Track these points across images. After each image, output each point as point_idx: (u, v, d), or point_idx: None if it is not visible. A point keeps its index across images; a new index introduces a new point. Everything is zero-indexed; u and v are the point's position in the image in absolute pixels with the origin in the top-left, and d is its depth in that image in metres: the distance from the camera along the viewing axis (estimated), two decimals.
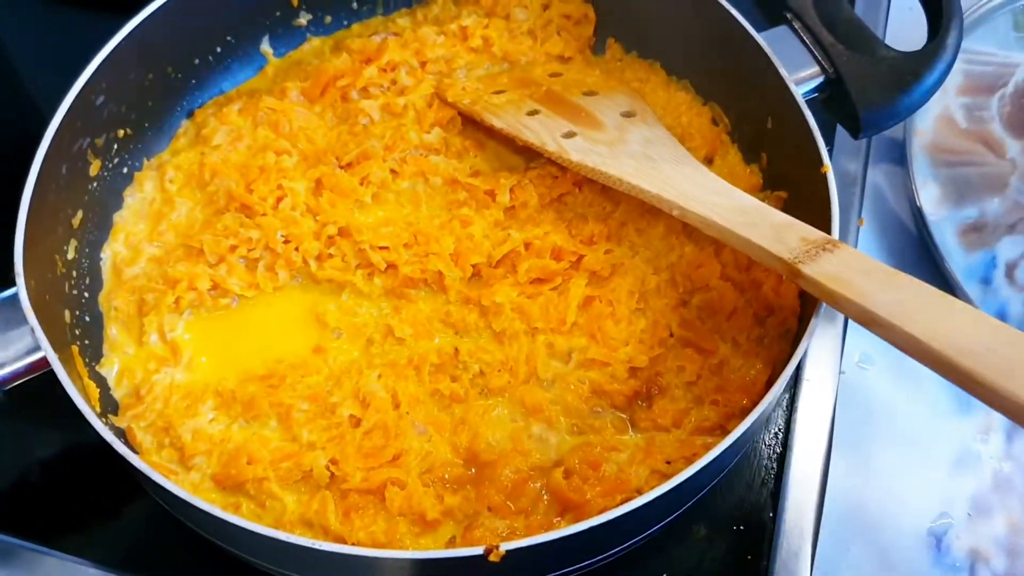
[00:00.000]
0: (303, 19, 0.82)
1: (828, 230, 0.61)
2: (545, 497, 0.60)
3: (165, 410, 0.64)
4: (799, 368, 0.71)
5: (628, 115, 0.74)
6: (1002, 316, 0.73)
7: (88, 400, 0.59)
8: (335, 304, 0.69)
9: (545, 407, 0.63)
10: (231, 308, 0.69)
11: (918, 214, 0.76)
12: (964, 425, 0.70)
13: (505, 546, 0.51)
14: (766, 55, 0.70)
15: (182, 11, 0.75)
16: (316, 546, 0.53)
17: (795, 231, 0.59)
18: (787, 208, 0.70)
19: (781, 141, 0.70)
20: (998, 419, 0.70)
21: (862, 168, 0.80)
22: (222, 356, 0.67)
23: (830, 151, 0.77)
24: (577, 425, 0.63)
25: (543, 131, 0.73)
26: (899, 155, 0.80)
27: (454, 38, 0.80)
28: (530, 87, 0.77)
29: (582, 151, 0.70)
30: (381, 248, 0.69)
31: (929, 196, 0.79)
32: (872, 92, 0.68)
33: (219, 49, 0.80)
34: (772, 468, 0.68)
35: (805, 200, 0.67)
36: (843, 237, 0.74)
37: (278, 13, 0.82)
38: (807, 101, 0.70)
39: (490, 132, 0.75)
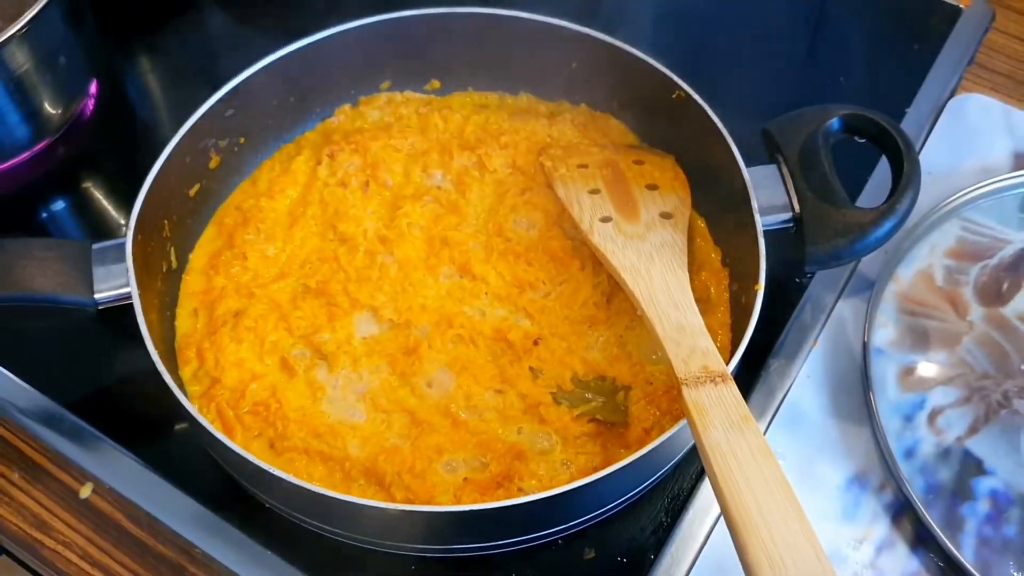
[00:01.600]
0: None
1: (739, 342, 0.76)
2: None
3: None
4: None
5: (666, 216, 0.89)
6: (912, 451, 0.84)
7: (155, 341, 0.77)
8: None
9: None
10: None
11: (864, 347, 0.88)
12: (843, 530, 0.81)
13: None
14: (746, 185, 0.84)
15: (316, 54, 0.95)
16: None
17: (704, 360, 0.72)
18: (735, 307, 0.85)
19: (746, 258, 0.84)
20: (876, 534, 0.81)
21: (834, 299, 0.92)
22: None
23: (810, 278, 0.91)
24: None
25: (588, 209, 0.89)
26: (871, 295, 0.91)
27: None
28: (610, 167, 0.94)
29: (604, 236, 0.86)
30: None
31: (885, 336, 0.90)
32: (821, 237, 0.82)
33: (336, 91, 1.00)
34: (666, 521, 0.81)
35: (747, 308, 0.80)
36: (796, 353, 0.88)
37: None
38: (780, 232, 0.84)
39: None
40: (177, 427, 0.87)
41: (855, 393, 0.87)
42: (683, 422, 0.72)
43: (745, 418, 0.67)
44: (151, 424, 0.86)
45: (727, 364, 0.73)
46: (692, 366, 0.72)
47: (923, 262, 0.94)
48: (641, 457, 0.71)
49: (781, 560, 0.58)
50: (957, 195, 0.97)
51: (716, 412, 0.68)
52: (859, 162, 0.99)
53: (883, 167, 0.96)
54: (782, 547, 0.58)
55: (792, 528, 0.60)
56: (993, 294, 0.93)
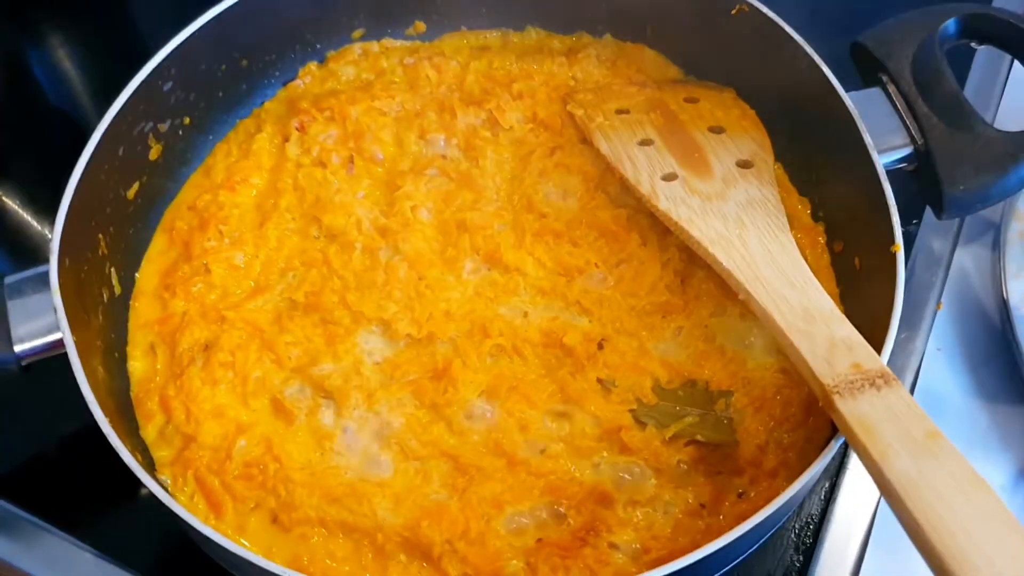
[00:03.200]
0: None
1: (886, 319, 0.57)
2: None
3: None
4: (844, 453, 0.66)
5: (744, 165, 0.70)
6: None
7: (100, 396, 0.58)
8: None
9: None
10: None
11: (1004, 306, 0.70)
12: None
13: None
14: (851, 115, 0.65)
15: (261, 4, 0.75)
16: None
17: (851, 356, 0.55)
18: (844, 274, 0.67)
19: (855, 208, 0.66)
20: None
21: (950, 248, 0.75)
22: None
23: (917, 225, 0.73)
24: None
25: (645, 167, 0.70)
26: (994, 239, 0.73)
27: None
28: (658, 110, 0.74)
29: (673, 199, 0.68)
30: None
31: (1021, 288, 0.72)
32: (961, 171, 0.64)
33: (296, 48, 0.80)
34: (798, 560, 0.63)
35: (867, 274, 0.62)
36: (919, 321, 0.70)
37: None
38: (892, 171, 0.65)
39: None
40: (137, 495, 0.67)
41: (1000, 363, 0.70)
42: (830, 452, 0.53)
43: (932, 435, 0.50)
44: (105, 502, 0.67)
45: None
46: (838, 366, 0.54)
47: None
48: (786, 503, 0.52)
49: None
50: None
51: (890, 430, 0.50)
52: None
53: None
54: None
55: None
56: None
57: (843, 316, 0.58)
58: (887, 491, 0.48)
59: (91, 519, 0.67)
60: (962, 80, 0.82)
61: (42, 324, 0.60)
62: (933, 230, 0.76)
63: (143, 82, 0.69)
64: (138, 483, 0.58)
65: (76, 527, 0.66)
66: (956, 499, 0.47)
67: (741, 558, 0.59)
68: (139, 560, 0.65)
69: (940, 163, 0.64)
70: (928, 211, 0.76)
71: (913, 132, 0.66)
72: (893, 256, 0.60)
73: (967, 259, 0.75)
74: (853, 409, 0.52)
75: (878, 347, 0.57)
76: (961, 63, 0.78)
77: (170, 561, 0.66)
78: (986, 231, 0.75)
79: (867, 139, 0.64)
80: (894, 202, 0.62)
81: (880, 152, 0.65)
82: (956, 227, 0.76)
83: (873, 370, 0.54)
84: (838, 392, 0.53)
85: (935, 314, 0.72)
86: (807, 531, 0.65)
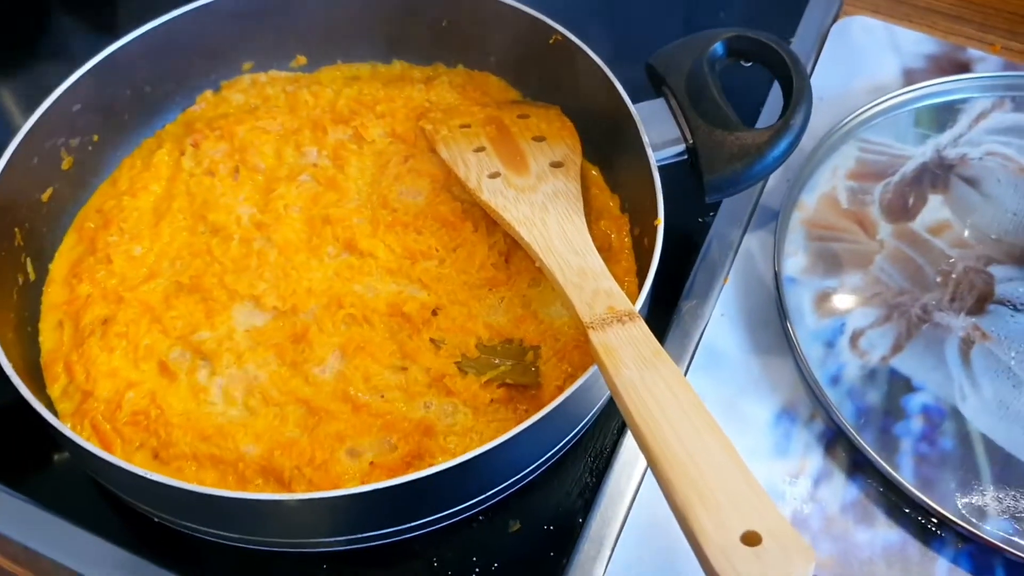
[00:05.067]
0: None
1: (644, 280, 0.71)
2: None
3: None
4: None
5: (557, 165, 0.84)
6: (838, 377, 0.80)
7: (13, 360, 0.69)
8: None
9: None
10: None
11: (776, 278, 0.84)
12: (776, 466, 0.77)
13: None
14: (635, 122, 0.80)
15: (164, 38, 0.88)
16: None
17: (609, 301, 0.68)
18: (640, 253, 0.81)
19: (643, 198, 0.80)
20: (811, 466, 0.77)
21: (740, 234, 0.88)
22: None
23: (713, 216, 0.87)
24: None
25: (475, 167, 0.84)
26: (776, 225, 0.87)
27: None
28: (493, 124, 0.89)
29: (493, 192, 0.81)
30: None
31: (797, 264, 0.86)
32: (717, 162, 0.78)
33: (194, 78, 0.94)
34: (591, 481, 0.76)
35: (649, 249, 0.76)
36: (708, 292, 0.84)
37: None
38: (673, 165, 0.80)
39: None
40: (52, 454, 0.79)
41: (773, 326, 0.84)
42: (594, 368, 0.67)
43: (657, 353, 0.63)
44: (19, 452, 0.78)
45: (634, 305, 0.68)
46: (597, 308, 0.67)
47: (826, 186, 0.92)
48: (554, 411, 0.65)
49: (709, 491, 0.53)
50: (851, 116, 0.94)
51: (626, 351, 0.63)
52: (752, 94, 0.96)
53: (776, 93, 0.93)
54: (709, 478, 0.54)
55: (717, 457, 0.55)
56: (899, 210, 0.90)
57: (609, 274, 0.71)
58: (616, 395, 0.60)
59: (13, 472, 0.77)
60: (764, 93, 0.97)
61: None
62: (727, 220, 0.89)
63: (54, 103, 0.81)
64: (47, 439, 0.71)
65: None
66: (666, 398, 0.59)
67: (540, 468, 0.72)
68: (54, 504, 0.75)
69: (701, 155, 0.78)
70: (723, 206, 0.90)
71: (685, 132, 0.80)
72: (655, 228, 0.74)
73: (754, 243, 0.89)
74: (601, 338, 0.65)
75: (635, 298, 0.71)
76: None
77: (76, 504, 0.77)
78: (772, 220, 0.89)
79: (645, 139, 0.78)
80: (660, 187, 0.76)
81: (657, 149, 0.79)
82: (747, 217, 0.90)
83: (623, 311, 0.67)
84: (592, 327, 0.66)
85: (722, 287, 0.86)
86: (600, 459, 0.78)
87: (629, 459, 0.76)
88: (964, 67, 1.00)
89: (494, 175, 0.83)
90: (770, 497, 0.54)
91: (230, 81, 0.96)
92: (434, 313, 0.79)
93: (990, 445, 0.77)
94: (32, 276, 0.81)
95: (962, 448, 0.77)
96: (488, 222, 0.83)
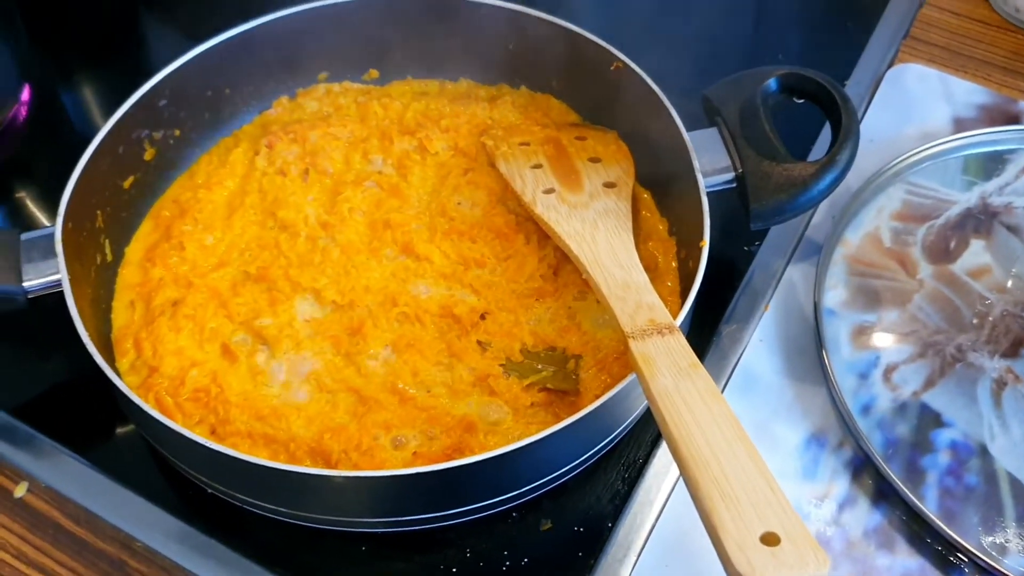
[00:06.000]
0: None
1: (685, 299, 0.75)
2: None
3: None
4: None
5: (610, 185, 0.88)
6: (869, 407, 0.82)
7: (89, 330, 0.74)
8: None
9: None
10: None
11: (815, 309, 0.87)
12: (803, 489, 0.79)
13: None
14: (688, 149, 0.83)
15: (248, 45, 0.94)
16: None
17: (650, 314, 0.71)
18: (685, 275, 0.84)
19: (691, 223, 0.83)
20: (837, 490, 0.79)
21: (783, 265, 0.91)
22: None
23: (758, 246, 0.90)
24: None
25: (531, 183, 0.88)
26: (819, 259, 0.90)
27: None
28: (552, 143, 0.93)
29: (547, 206, 0.85)
30: None
31: (836, 297, 0.89)
32: (764, 192, 0.81)
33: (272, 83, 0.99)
34: (623, 489, 0.79)
35: (694, 271, 0.79)
36: (748, 318, 0.87)
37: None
38: (721, 193, 0.84)
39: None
40: (116, 425, 0.84)
41: (809, 354, 0.86)
42: (633, 377, 0.70)
43: (693, 365, 0.66)
44: (87, 420, 0.84)
45: (675, 319, 0.72)
46: (638, 320, 0.71)
47: (870, 225, 0.94)
48: (590, 415, 0.69)
49: (733, 492, 0.56)
50: (900, 159, 0.97)
51: (663, 360, 0.66)
52: (805, 131, 0.99)
53: (827, 132, 0.96)
54: (734, 480, 0.57)
55: (743, 463, 0.58)
56: (941, 252, 0.92)
57: (652, 289, 0.74)
58: (652, 401, 0.64)
59: (79, 436, 0.81)
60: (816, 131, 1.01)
61: (46, 267, 0.76)
62: (772, 251, 0.92)
63: (142, 96, 0.87)
64: (112, 407, 0.76)
65: (67, 441, 0.81)
66: (698, 406, 0.62)
67: (575, 470, 0.75)
68: (113, 468, 0.79)
69: (749, 184, 0.81)
70: (769, 235, 0.93)
71: (735, 161, 0.83)
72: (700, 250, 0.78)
73: (796, 274, 0.92)
74: (641, 347, 0.68)
75: (676, 317, 0.74)
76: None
77: (134, 471, 0.81)
78: (815, 254, 0.92)
79: (696, 165, 0.82)
80: (708, 212, 0.79)
81: (707, 175, 0.82)
82: (791, 249, 0.92)
83: (663, 323, 0.70)
84: (633, 336, 0.69)
85: (762, 314, 0.89)
86: (633, 468, 0.81)
87: (660, 470, 0.79)
88: (1015, 119, 1.03)
89: (549, 191, 0.87)
90: (791, 504, 0.56)
91: (306, 89, 1.01)
92: (482, 317, 0.83)
93: (1016, 485, 0.79)
94: (109, 257, 0.87)
95: (987, 485, 0.79)
96: (540, 236, 0.87)
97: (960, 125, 1.02)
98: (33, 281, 0.77)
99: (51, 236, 0.78)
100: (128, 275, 0.88)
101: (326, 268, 0.86)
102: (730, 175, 0.83)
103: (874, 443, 0.80)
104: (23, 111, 1.05)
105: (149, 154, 0.91)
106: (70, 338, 0.73)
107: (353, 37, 0.99)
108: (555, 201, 0.85)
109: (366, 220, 0.90)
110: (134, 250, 0.90)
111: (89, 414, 0.84)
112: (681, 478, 0.65)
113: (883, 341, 0.87)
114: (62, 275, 0.77)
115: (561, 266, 0.86)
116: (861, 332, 0.87)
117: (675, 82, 0.90)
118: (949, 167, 0.98)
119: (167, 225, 0.90)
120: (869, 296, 0.89)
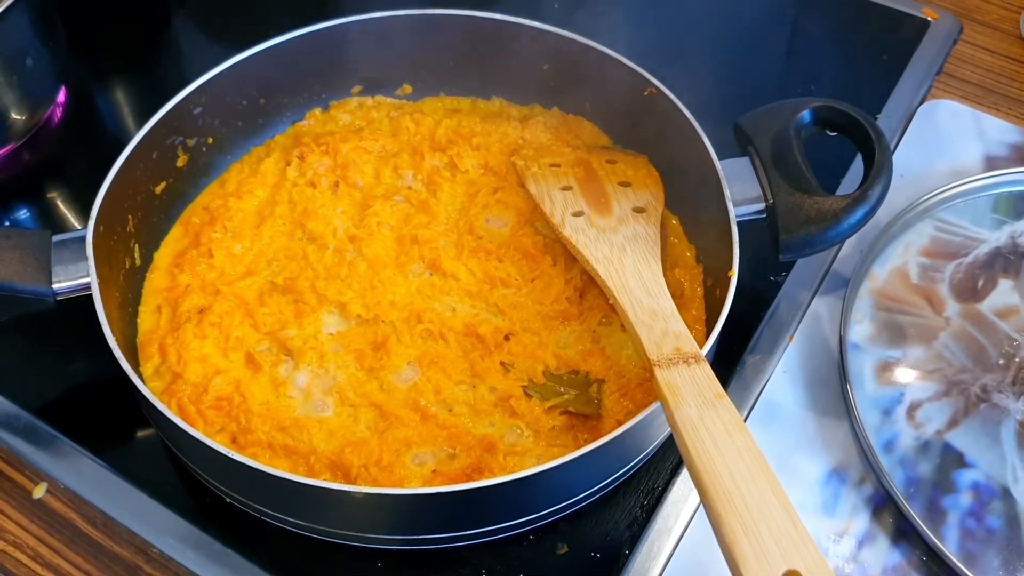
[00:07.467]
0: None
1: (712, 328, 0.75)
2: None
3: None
4: None
5: (639, 210, 0.88)
6: (892, 444, 0.82)
7: (115, 334, 0.74)
8: None
9: None
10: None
11: (841, 342, 0.87)
12: (822, 524, 0.79)
13: None
14: (719, 178, 0.83)
15: (283, 56, 0.95)
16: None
17: (676, 342, 0.71)
18: (711, 303, 0.84)
19: (720, 251, 0.83)
20: (856, 527, 0.79)
21: (809, 297, 0.91)
22: None
23: (784, 277, 0.90)
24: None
25: (560, 204, 0.88)
26: (846, 292, 0.90)
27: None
28: (582, 166, 0.93)
29: (575, 229, 0.85)
30: None
31: (862, 332, 0.89)
32: (794, 224, 0.81)
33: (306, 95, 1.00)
34: (641, 516, 0.79)
35: (721, 301, 0.79)
36: (773, 349, 0.87)
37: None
38: (751, 223, 0.83)
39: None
40: (137, 430, 0.84)
41: (832, 388, 0.86)
42: (656, 404, 0.70)
43: (719, 396, 0.66)
44: (108, 424, 0.84)
45: (701, 348, 0.72)
46: (664, 348, 0.70)
47: (898, 260, 0.94)
48: (612, 441, 0.69)
49: (755, 525, 0.56)
50: (930, 195, 0.96)
51: (689, 390, 0.66)
52: (837, 162, 0.99)
53: (858, 165, 0.96)
54: (756, 515, 0.56)
55: (766, 496, 0.58)
56: (968, 290, 0.92)
57: (679, 317, 0.74)
58: (676, 431, 0.64)
59: (100, 439, 0.82)
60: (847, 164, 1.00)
61: (76, 270, 0.77)
62: (798, 283, 0.92)
63: (178, 103, 0.88)
64: (133, 411, 0.77)
65: (87, 443, 0.81)
66: (723, 437, 0.62)
67: (593, 495, 0.75)
68: (132, 472, 0.80)
69: (779, 215, 0.81)
70: (796, 267, 0.93)
71: (766, 191, 0.83)
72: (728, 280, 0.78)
73: (822, 307, 0.91)
74: (666, 376, 0.68)
75: (702, 344, 0.74)
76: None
77: (153, 475, 0.82)
78: (842, 287, 0.92)
79: (727, 193, 0.82)
80: (737, 241, 0.79)
81: (738, 205, 0.82)
82: (818, 282, 0.92)
83: (689, 352, 0.70)
84: (658, 365, 0.69)
85: (787, 345, 0.88)
86: (652, 496, 0.80)
87: (679, 498, 0.79)
88: None
89: (578, 213, 0.87)
90: (814, 540, 0.56)
91: (339, 101, 1.01)
92: (506, 338, 0.83)
93: None
94: (138, 262, 0.87)
95: (1009, 529, 0.78)
96: (567, 258, 0.87)
97: (991, 163, 1.02)
98: (63, 283, 0.77)
99: (82, 239, 0.79)
100: (156, 280, 0.88)
101: (352, 282, 0.86)
102: (761, 205, 0.83)
103: (896, 481, 0.79)
104: (58, 112, 1.06)
105: (182, 160, 0.92)
106: (95, 341, 0.74)
107: (390, 52, 0.99)
108: (584, 224, 0.85)
109: (394, 235, 0.90)
110: (163, 255, 0.90)
111: (111, 418, 0.84)
112: (702, 507, 0.64)
113: (907, 377, 0.86)
114: (91, 278, 0.77)
115: (587, 289, 0.86)
116: (886, 368, 0.87)
117: (707, 109, 0.90)
118: (979, 205, 0.98)
119: (196, 232, 0.91)
120: (895, 332, 0.89)
